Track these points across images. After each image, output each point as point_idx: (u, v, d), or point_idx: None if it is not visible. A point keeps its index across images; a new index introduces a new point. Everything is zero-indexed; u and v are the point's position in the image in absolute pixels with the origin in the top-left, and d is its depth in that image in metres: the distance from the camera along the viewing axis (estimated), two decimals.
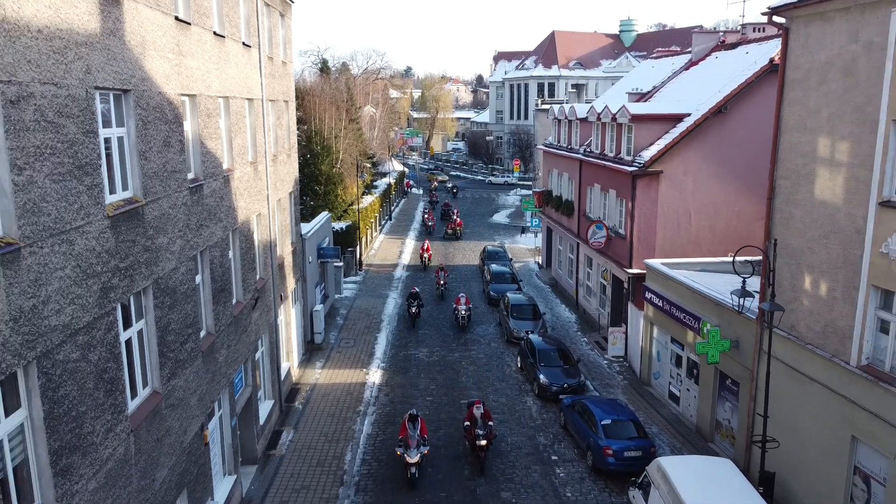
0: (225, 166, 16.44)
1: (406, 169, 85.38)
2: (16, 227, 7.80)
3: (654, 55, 38.86)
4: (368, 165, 56.25)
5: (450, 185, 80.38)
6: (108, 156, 10.46)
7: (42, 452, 8.34)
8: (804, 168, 15.54)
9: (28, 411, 8.19)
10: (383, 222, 58.04)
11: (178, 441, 12.84)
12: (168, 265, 12.34)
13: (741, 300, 14.90)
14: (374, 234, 51.33)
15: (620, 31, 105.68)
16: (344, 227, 38.95)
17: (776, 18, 16.03)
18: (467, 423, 19.32)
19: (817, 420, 15.28)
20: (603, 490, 18.02)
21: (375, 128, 74.50)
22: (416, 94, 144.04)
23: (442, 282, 36.05)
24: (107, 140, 10.37)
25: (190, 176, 13.97)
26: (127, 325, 10.99)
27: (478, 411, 19.09)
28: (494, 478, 18.54)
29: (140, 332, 11.52)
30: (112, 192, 10.53)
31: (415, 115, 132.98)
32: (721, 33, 31.45)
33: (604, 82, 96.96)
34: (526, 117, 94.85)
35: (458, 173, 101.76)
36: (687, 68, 31.57)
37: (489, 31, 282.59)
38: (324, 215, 32.75)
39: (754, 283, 17.48)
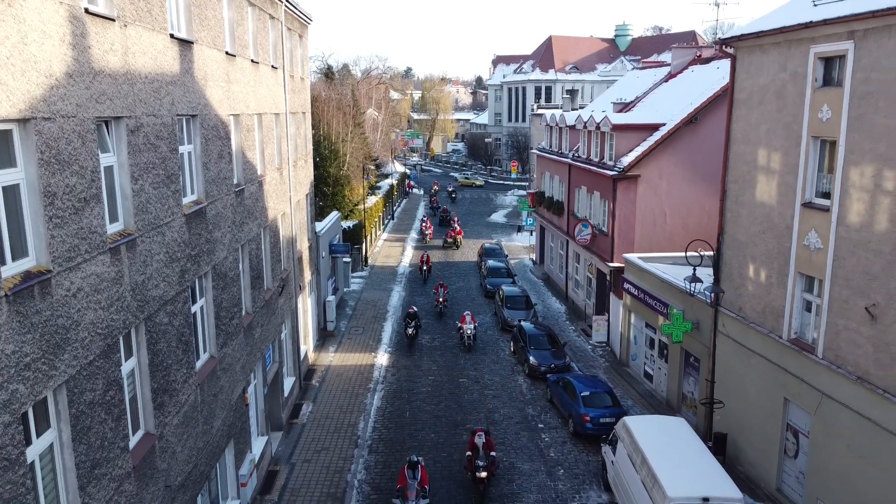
0: (259, 172, 19.31)
1: (408, 170, 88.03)
2: (133, 222, 10.68)
3: (640, 66, 41.64)
4: (373, 167, 59.04)
5: (449, 189, 78.46)
6: (182, 167, 13.34)
7: (146, 391, 11.23)
8: (748, 174, 18.44)
9: (138, 360, 11.07)
10: (386, 221, 60.88)
11: (228, 398, 15.71)
12: (221, 255, 15.22)
13: (692, 285, 17.80)
14: (379, 233, 54.20)
15: (616, 36, 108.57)
16: (351, 225, 41.86)
17: (726, 48, 18.92)
18: (469, 452, 18.48)
19: (758, 386, 18.18)
20: (581, 451, 20.91)
21: (378, 130, 77.34)
22: (417, 94, 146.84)
23: (441, 299, 33.95)
24: (182, 155, 13.26)
25: (235, 181, 16.85)
26: (194, 301, 13.87)
27: (479, 440, 18.40)
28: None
29: (202, 308, 14.40)
30: (184, 195, 13.42)
31: (415, 116, 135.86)
32: (697, 49, 34.31)
33: (599, 86, 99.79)
34: (523, 120, 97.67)
35: (458, 174, 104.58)
36: (666, 80, 34.43)
37: (488, 33, 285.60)
38: (334, 215, 35.62)
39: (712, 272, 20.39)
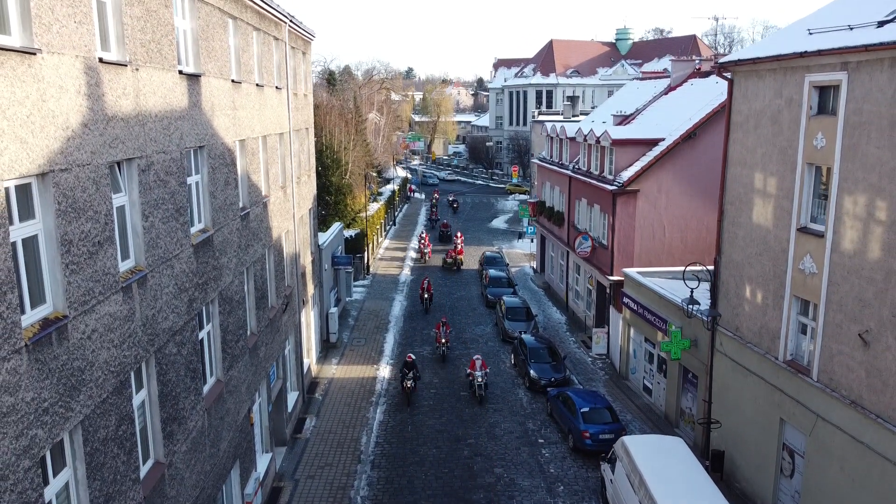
0: (263, 193, 19.62)
1: (409, 175, 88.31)
2: (144, 258, 11.00)
3: (641, 76, 41.92)
4: (374, 174, 59.35)
5: (450, 198, 73.87)
6: (190, 198, 13.65)
7: (156, 420, 11.54)
8: (745, 196, 18.73)
9: (148, 392, 11.38)
10: (388, 228, 61.20)
11: (234, 420, 16.03)
12: (227, 280, 15.53)
13: (690, 307, 18.10)
14: (380, 240, 54.53)
15: (616, 40, 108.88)
16: (353, 234, 42.20)
17: (723, 73, 19.20)
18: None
19: (755, 405, 18.47)
20: (581, 467, 21.21)
21: (380, 135, 77.76)
22: (418, 95, 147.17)
23: (443, 339, 29.39)
24: (190, 185, 13.57)
25: (240, 205, 17.16)
26: (201, 327, 14.19)
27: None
28: (489, 456, 21.73)
29: (209, 333, 14.72)
30: (192, 225, 13.73)
31: (416, 118, 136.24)
32: (697, 61, 34.60)
33: (600, 90, 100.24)
34: (524, 123, 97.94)
35: (459, 177, 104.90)
36: (666, 93, 34.72)
37: (490, 34, 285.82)
38: (337, 226, 35.96)
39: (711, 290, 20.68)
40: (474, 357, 26.27)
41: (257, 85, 18.68)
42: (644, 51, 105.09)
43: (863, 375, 14.52)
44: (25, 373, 7.57)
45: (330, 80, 70.86)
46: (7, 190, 7.53)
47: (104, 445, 9.40)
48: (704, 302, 20.53)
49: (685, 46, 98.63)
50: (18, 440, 7.43)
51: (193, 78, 13.24)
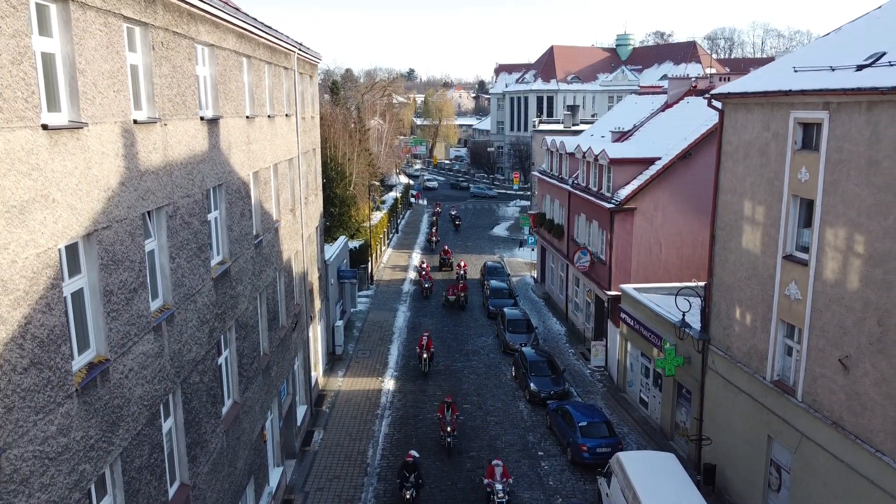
0: (274, 219, 20.51)
1: (411, 181, 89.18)
2: (171, 297, 11.89)
3: (639, 92, 42.84)
4: (377, 183, 60.21)
5: (452, 213, 70.04)
6: (210, 233, 14.54)
7: (182, 445, 12.44)
8: (735, 223, 19.59)
9: (174, 420, 12.27)
10: (391, 236, 62.09)
11: (249, 439, 16.92)
12: (243, 306, 16.42)
13: (682, 329, 18.98)
14: (383, 249, 55.44)
15: (617, 46, 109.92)
16: (357, 245, 43.11)
17: (714, 103, 20.08)
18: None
19: (745, 422, 19.33)
20: (579, 480, 22.09)
21: (382, 142, 78.66)
22: (420, 98, 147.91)
23: (449, 428, 23.24)
24: (209, 222, 14.46)
25: (254, 233, 18.04)
26: (219, 353, 15.08)
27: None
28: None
29: (226, 359, 15.61)
30: (211, 258, 14.61)
31: (418, 122, 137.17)
32: (693, 79, 35.48)
33: (600, 96, 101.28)
34: (525, 129, 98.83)
35: (459, 179, 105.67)
36: (663, 110, 35.58)
37: (491, 35, 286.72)
38: (342, 240, 36.86)
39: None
40: (493, 462, 20.10)
41: (269, 116, 19.56)
42: (644, 56, 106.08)
43: (843, 398, 15.38)
44: (76, 415, 8.46)
45: (333, 88, 71.70)
46: (60, 251, 8.41)
47: (139, 473, 10.29)
48: (697, 322, 21.37)
49: (685, 53, 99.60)
50: (70, 475, 8.32)
51: (213, 122, 14.14)
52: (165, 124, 11.47)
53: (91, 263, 9.12)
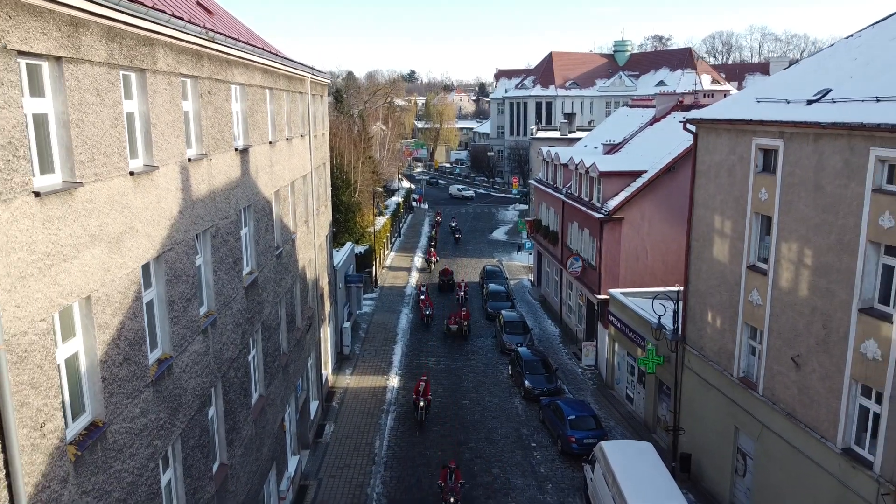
0: (292, 231, 22.66)
1: (413, 185, 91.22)
2: (214, 304, 14.04)
3: (630, 105, 45.00)
4: (381, 189, 62.33)
5: (452, 224, 67.99)
6: (241, 248, 16.69)
7: (221, 430, 14.58)
8: (707, 235, 21.73)
9: (215, 409, 14.42)
10: (394, 240, 64.24)
11: (272, 428, 19.06)
12: (267, 311, 18.57)
13: (658, 331, 21.13)
14: (386, 252, 57.62)
15: (615, 52, 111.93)
16: (362, 250, 45.30)
17: (689, 126, 22.22)
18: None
19: (715, 414, 21.46)
20: (568, 468, 24.22)
21: (385, 147, 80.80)
22: (421, 100, 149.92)
23: (452, 500, 20.56)
24: (241, 238, 16.61)
25: (275, 245, 20.19)
26: (249, 352, 17.22)
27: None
28: (488, 458, 24.74)
29: (254, 357, 17.76)
30: (243, 269, 16.76)
31: (419, 125, 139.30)
32: (679, 95, 37.64)
33: (598, 101, 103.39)
34: (525, 134, 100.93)
35: (460, 185, 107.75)
36: (651, 123, 37.73)
37: (491, 35, 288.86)
38: (349, 246, 39.03)
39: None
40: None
41: (287, 139, 21.71)
42: (641, 63, 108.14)
43: (795, 392, 17.52)
44: (152, 400, 10.61)
45: (337, 97, 73.86)
46: (140, 270, 10.56)
47: (192, 451, 12.44)
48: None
49: (681, 59, 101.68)
50: (148, 448, 10.47)
51: (244, 151, 16.29)
52: (210, 158, 13.62)
53: (160, 279, 11.26)
